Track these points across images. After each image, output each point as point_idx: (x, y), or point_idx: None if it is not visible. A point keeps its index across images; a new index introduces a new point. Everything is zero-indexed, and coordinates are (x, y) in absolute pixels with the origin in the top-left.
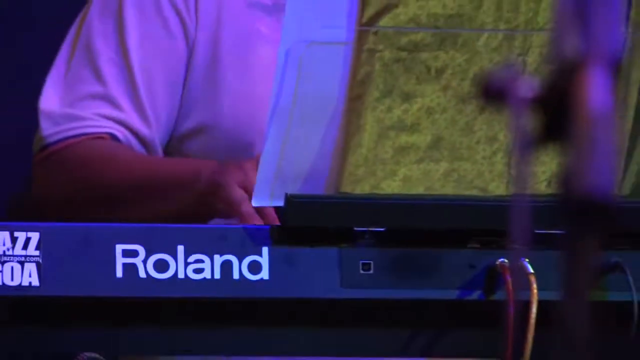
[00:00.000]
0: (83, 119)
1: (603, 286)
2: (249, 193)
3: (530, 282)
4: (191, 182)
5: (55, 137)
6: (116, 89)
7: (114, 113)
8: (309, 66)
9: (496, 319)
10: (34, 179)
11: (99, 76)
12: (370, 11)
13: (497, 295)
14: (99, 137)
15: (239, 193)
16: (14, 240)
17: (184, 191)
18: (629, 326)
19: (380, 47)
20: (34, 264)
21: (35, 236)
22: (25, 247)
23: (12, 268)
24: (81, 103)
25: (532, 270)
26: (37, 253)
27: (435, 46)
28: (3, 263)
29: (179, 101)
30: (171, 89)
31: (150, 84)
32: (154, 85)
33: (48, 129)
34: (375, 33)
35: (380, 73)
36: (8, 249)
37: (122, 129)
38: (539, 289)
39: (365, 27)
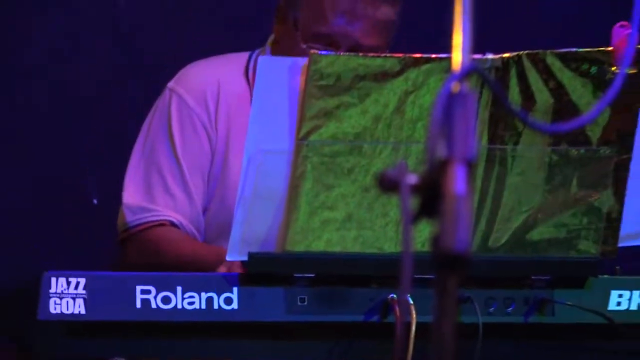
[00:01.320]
0: (151, 210)
1: (459, 313)
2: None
3: (411, 310)
4: (213, 264)
5: (133, 223)
6: (172, 186)
7: (171, 203)
8: (264, 167)
9: (389, 334)
10: (121, 251)
11: (161, 176)
12: (303, 130)
13: (390, 319)
14: (161, 223)
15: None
16: (68, 283)
17: (208, 267)
18: (476, 341)
19: (311, 154)
20: (82, 299)
21: (82, 281)
22: (76, 287)
23: (67, 302)
24: (148, 196)
25: (412, 302)
26: (84, 292)
27: (347, 153)
28: (62, 298)
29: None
30: (202, 179)
31: (193, 179)
32: (194, 179)
33: (129, 217)
34: (307, 145)
35: (311, 171)
36: (65, 289)
37: (177, 215)
38: (417, 314)
39: (301, 141)
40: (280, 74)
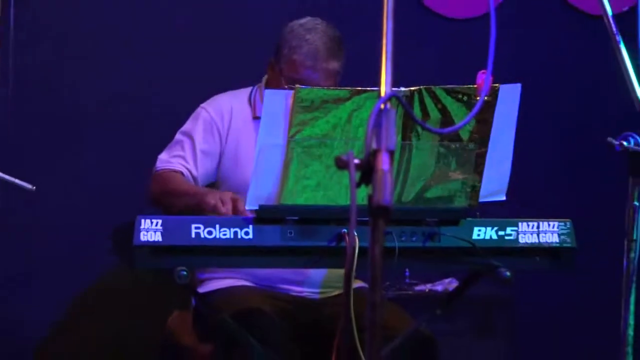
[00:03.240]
0: (171, 162)
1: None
2: (223, 202)
3: (355, 239)
4: (202, 194)
5: (159, 168)
6: (188, 156)
7: (184, 163)
8: (268, 153)
9: (342, 254)
10: (150, 185)
11: (183, 150)
12: (291, 132)
13: (342, 244)
14: (175, 171)
15: (212, 201)
16: (151, 222)
17: (196, 197)
18: (393, 258)
19: (296, 146)
20: (159, 232)
21: (160, 221)
22: (155, 225)
23: (150, 233)
24: (175, 156)
25: (356, 234)
26: (160, 228)
27: (317, 146)
28: (147, 231)
29: (215, 170)
30: (210, 161)
31: (202, 158)
32: (202, 159)
33: (158, 164)
34: (294, 140)
35: (296, 157)
36: (150, 226)
37: (185, 170)
38: (359, 241)
39: (290, 138)
40: (279, 100)
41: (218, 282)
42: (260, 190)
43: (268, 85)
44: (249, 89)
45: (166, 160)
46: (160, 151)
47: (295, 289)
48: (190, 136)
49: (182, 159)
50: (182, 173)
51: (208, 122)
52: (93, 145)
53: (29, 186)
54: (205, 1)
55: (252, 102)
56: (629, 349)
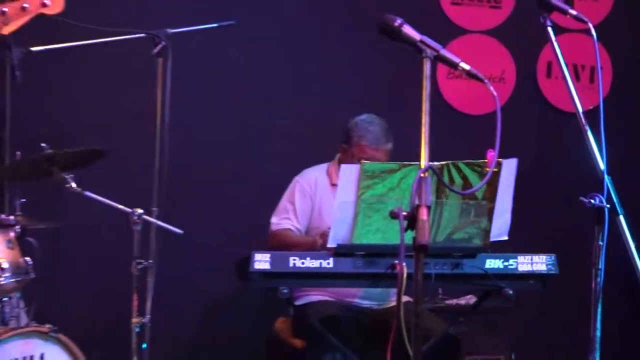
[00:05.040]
0: (281, 223)
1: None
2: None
3: (404, 268)
4: (312, 243)
5: (274, 229)
6: (292, 217)
7: (291, 222)
8: (343, 209)
9: (394, 277)
10: (268, 241)
11: (288, 212)
12: (359, 193)
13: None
14: (286, 229)
15: (319, 241)
16: (262, 256)
17: (307, 244)
18: (430, 280)
19: (362, 202)
20: (267, 262)
21: (268, 255)
22: (264, 257)
23: (261, 263)
24: (284, 218)
25: (404, 264)
26: (269, 259)
27: (377, 203)
28: (259, 261)
29: (308, 222)
30: (305, 217)
31: (301, 215)
32: (300, 217)
33: (273, 227)
34: (361, 199)
35: (362, 210)
36: (261, 258)
37: (293, 227)
38: (407, 269)
39: (358, 198)
40: (350, 172)
41: (309, 297)
42: (338, 234)
43: (341, 162)
44: (325, 165)
45: (277, 222)
46: (272, 198)
47: (362, 302)
48: (292, 202)
49: (288, 219)
50: (290, 229)
51: (301, 190)
52: (221, 198)
53: (179, 231)
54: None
55: (329, 174)
56: (597, 347)
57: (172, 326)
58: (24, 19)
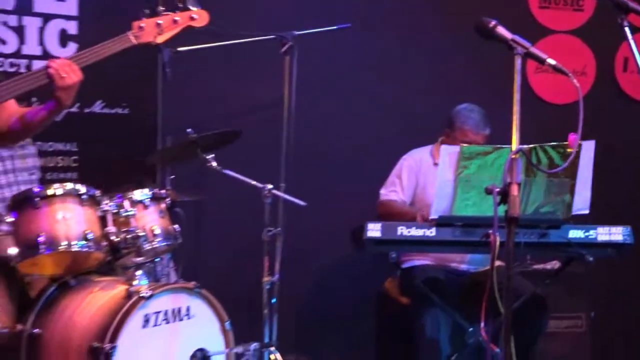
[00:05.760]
0: (389, 195)
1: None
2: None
3: (497, 237)
4: (412, 217)
5: (383, 199)
6: (399, 189)
7: (397, 194)
8: (443, 186)
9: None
10: (377, 209)
11: (395, 185)
12: (457, 172)
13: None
14: (393, 200)
15: (419, 216)
16: (374, 225)
17: (410, 214)
18: (519, 247)
19: (460, 180)
20: (379, 231)
21: (379, 225)
22: (375, 227)
23: (373, 231)
24: (391, 191)
25: (497, 234)
26: (380, 228)
27: (473, 180)
28: (372, 229)
29: (412, 196)
30: (410, 190)
31: (407, 190)
32: (406, 190)
33: (382, 197)
34: (459, 177)
35: (459, 186)
36: (373, 227)
37: (399, 198)
38: (499, 238)
39: (457, 175)
40: (451, 152)
41: (414, 261)
42: (439, 206)
43: (443, 144)
44: (429, 146)
45: (385, 194)
46: (382, 174)
47: (460, 266)
48: (399, 177)
49: (395, 192)
50: (396, 200)
51: (408, 167)
52: (341, 172)
53: (303, 203)
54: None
55: (432, 154)
56: None
57: (297, 284)
58: (175, 30)
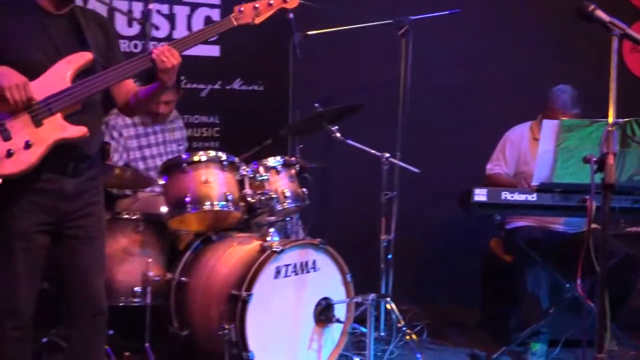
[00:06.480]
0: (494, 169)
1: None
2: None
3: (593, 202)
4: (514, 183)
5: (489, 172)
6: (502, 164)
7: (502, 168)
8: (544, 155)
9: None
10: (484, 181)
11: (499, 160)
12: (557, 143)
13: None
14: (498, 173)
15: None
16: (480, 190)
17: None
18: (615, 211)
19: (560, 150)
20: (484, 195)
21: (484, 191)
22: (481, 193)
23: (478, 195)
24: (496, 165)
25: (594, 200)
26: (486, 192)
27: (573, 149)
28: (476, 194)
29: (514, 167)
30: (514, 164)
31: (510, 163)
32: (510, 164)
33: (488, 171)
34: (559, 147)
35: (560, 154)
36: (478, 193)
37: (503, 172)
38: (595, 203)
39: (557, 146)
40: (551, 126)
41: (517, 223)
42: (540, 174)
43: (541, 119)
44: (529, 122)
45: (491, 168)
46: (488, 146)
47: (559, 227)
48: (502, 152)
49: (500, 166)
50: (500, 173)
51: (510, 142)
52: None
53: (416, 170)
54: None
55: (531, 130)
56: None
57: (410, 242)
58: (270, 12)
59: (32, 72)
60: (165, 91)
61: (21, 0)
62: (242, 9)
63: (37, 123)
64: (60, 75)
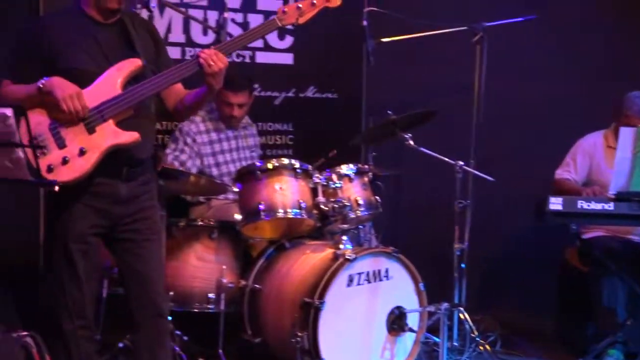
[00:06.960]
0: (563, 174)
1: None
2: (593, 192)
3: None
4: (579, 193)
5: (558, 178)
6: (572, 170)
7: (571, 174)
8: (621, 163)
9: None
10: (553, 185)
11: (569, 166)
12: (635, 150)
13: None
14: (566, 179)
15: (590, 192)
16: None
17: (577, 193)
18: None
19: (637, 158)
20: (560, 205)
21: (560, 199)
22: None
23: (553, 204)
24: (565, 171)
25: None
26: (561, 202)
27: None
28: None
29: (585, 175)
30: (587, 171)
31: (580, 171)
32: (580, 171)
33: (557, 177)
34: (637, 155)
35: (638, 164)
36: (553, 203)
37: (572, 178)
38: None
39: (635, 154)
40: (629, 133)
41: (592, 233)
42: (617, 183)
43: (616, 129)
44: (603, 131)
45: (560, 173)
46: (560, 154)
47: (635, 238)
48: (573, 159)
49: (569, 172)
50: (569, 179)
51: (582, 150)
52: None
53: (490, 178)
54: None
55: (605, 138)
56: None
57: (484, 251)
58: (314, 12)
59: (83, 80)
60: (213, 94)
61: (71, 11)
62: (285, 9)
63: (90, 130)
64: (111, 83)
